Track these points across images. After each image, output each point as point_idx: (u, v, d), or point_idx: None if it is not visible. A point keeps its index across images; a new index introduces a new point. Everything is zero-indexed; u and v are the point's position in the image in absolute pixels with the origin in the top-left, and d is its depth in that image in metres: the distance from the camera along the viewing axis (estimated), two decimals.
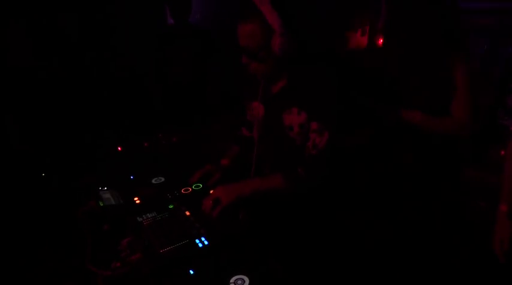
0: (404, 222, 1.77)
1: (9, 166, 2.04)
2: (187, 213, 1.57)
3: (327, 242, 1.68)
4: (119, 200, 1.68)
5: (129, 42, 3.48)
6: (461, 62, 1.65)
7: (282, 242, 1.47)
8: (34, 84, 2.78)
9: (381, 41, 1.91)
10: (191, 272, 1.25)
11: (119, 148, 2.22)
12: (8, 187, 1.84)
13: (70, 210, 1.60)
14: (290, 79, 1.67)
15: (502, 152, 2.36)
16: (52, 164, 2.01)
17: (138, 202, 1.68)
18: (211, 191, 1.64)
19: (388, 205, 1.80)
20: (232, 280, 1.21)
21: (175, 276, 1.25)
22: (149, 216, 1.55)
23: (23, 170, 1.98)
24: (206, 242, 1.38)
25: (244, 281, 1.21)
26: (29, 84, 2.76)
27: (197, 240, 1.39)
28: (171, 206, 1.62)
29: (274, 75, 1.68)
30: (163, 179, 1.86)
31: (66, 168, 1.98)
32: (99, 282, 1.23)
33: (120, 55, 3.40)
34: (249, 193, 1.58)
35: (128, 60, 3.42)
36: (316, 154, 1.59)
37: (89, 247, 1.38)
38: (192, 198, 1.69)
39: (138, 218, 1.54)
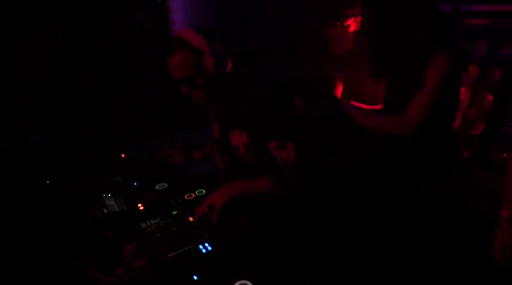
0: (406, 224, 1.76)
1: (14, 172, 2.05)
2: (191, 219, 1.58)
3: (330, 245, 1.68)
4: (122, 207, 1.69)
5: (133, 47, 3.50)
6: (439, 62, 1.52)
7: (285, 246, 1.47)
8: (39, 89, 2.80)
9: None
10: (195, 277, 1.26)
11: (123, 155, 2.23)
12: (13, 193, 1.85)
13: (74, 216, 1.62)
14: (227, 99, 1.66)
15: (505, 155, 2.36)
16: (57, 170, 2.02)
17: (141, 208, 1.70)
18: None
19: (388, 207, 1.79)
20: None
21: (179, 282, 1.25)
22: (153, 222, 1.56)
23: (28, 177, 1.99)
24: (210, 248, 1.39)
25: None
26: (34, 89, 2.78)
27: (200, 246, 1.40)
28: (174, 212, 1.63)
29: (216, 96, 1.66)
30: (166, 185, 1.87)
31: (70, 174, 1.99)
32: None
33: (126, 61, 3.43)
34: (239, 194, 1.59)
35: (132, 65, 3.44)
36: (291, 166, 1.55)
37: (93, 253, 1.39)
38: (195, 204, 1.69)
39: (142, 224, 1.55)
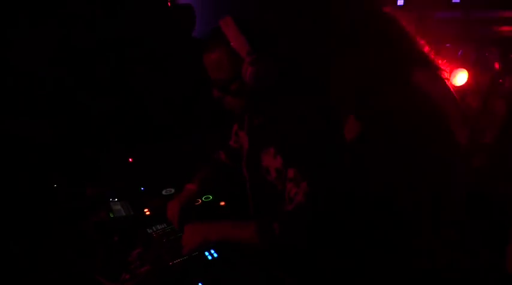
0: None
1: (20, 176, 2.06)
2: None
3: (339, 255, 1.65)
4: (129, 212, 1.69)
5: (140, 51, 3.51)
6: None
7: (292, 255, 1.44)
8: (47, 92, 2.82)
9: None
10: (200, 284, 1.24)
11: (130, 160, 2.23)
12: (19, 197, 1.86)
13: (81, 221, 1.61)
14: (268, 113, 1.39)
15: None
16: (63, 174, 2.03)
17: (148, 213, 1.69)
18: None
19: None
20: None
21: None
22: (159, 228, 1.55)
23: (35, 180, 2.00)
24: (216, 255, 1.37)
25: None
26: (42, 92, 2.80)
27: (207, 253, 1.38)
28: None
29: (253, 107, 1.42)
30: (173, 190, 1.86)
31: (77, 179, 1.99)
32: None
33: (135, 64, 3.44)
34: (215, 239, 1.35)
35: (141, 69, 3.45)
36: (292, 211, 1.26)
37: (99, 258, 1.38)
38: (202, 209, 1.69)
39: (148, 229, 1.54)
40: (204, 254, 1.37)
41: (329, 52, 1.77)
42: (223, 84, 1.30)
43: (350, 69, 1.63)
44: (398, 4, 3.10)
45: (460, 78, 2.58)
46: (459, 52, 2.82)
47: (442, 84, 1.59)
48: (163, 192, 1.86)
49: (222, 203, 1.74)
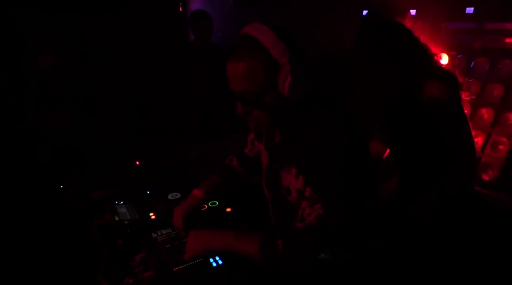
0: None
1: (26, 176, 2.06)
2: None
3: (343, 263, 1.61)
4: (134, 215, 1.67)
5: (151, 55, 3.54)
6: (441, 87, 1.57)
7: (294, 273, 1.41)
8: (53, 93, 2.84)
9: None
10: None
11: (137, 163, 2.22)
12: (25, 197, 1.85)
13: (86, 222, 1.60)
14: (292, 129, 1.30)
15: None
16: (70, 176, 2.02)
17: (153, 217, 1.67)
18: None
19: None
20: None
21: None
22: (164, 232, 1.54)
23: (41, 181, 1.99)
24: (221, 262, 1.35)
25: None
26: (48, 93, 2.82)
27: (211, 260, 1.36)
28: None
29: (281, 123, 1.32)
30: (179, 195, 1.85)
31: (84, 181, 1.98)
32: None
33: (144, 67, 3.45)
34: (217, 248, 1.31)
35: (150, 73, 3.47)
36: (301, 229, 1.20)
37: (102, 261, 1.36)
38: (207, 215, 1.67)
39: (152, 234, 1.52)
40: (209, 261, 1.35)
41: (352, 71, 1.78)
42: (253, 97, 1.19)
43: (372, 88, 1.65)
44: (411, 14, 3.07)
45: None
46: (472, 64, 2.79)
47: (456, 95, 1.60)
48: (169, 196, 1.84)
49: (228, 210, 1.72)
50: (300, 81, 1.15)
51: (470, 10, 2.76)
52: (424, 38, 1.75)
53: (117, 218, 1.63)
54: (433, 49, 1.73)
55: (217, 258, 1.36)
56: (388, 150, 1.92)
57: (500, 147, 2.46)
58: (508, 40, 2.62)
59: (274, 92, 1.18)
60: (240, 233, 1.32)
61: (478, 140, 2.51)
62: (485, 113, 2.55)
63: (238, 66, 1.15)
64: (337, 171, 1.16)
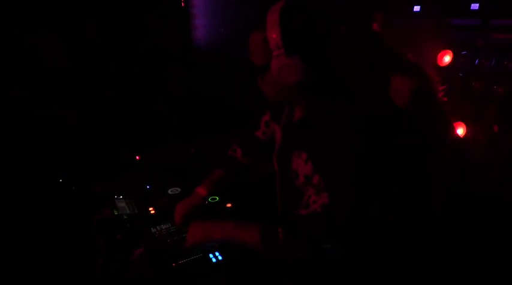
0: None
1: (26, 170, 2.05)
2: None
3: (343, 262, 1.59)
4: (133, 210, 1.66)
5: (151, 52, 3.51)
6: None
7: (297, 261, 1.40)
8: (55, 90, 2.82)
9: None
10: None
11: (137, 157, 2.20)
12: (24, 191, 1.84)
13: (85, 216, 1.59)
14: (306, 113, 1.31)
15: None
16: (69, 170, 2.01)
17: (153, 212, 1.65)
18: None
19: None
20: None
21: None
22: (163, 227, 1.52)
23: (40, 175, 1.98)
24: (220, 257, 1.33)
25: None
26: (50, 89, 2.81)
27: (211, 255, 1.34)
28: None
29: (285, 100, 1.35)
30: (179, 190, 1.83)
31: (83, 174, 1.97)
32: None
33: (147, 63, 3.44)
34: (217, 238, 1.30)
35: (153, 68, 3.45)
36: (304, 217, 1.17)
37: (101, 256, 1.35)
38: (208, 210, 1.65)
39: (152, 229, 1.51)
40: (208, 257, 1.33)
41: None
42: (256, 67, 1.24)
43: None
44: (414, 11, 3.05)
45: None
46: (476, 61, 2.76)
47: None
48: (169, 191, 1.83)
49: (229, 205, 1.71)
50: (289, 69, 1.15)
51: (475, 6, 2.72)
52: (428, 34, 1.72)
53: (116, 213, 1.61)
54: (437, 45, 1.71)
55: (216, 253, 1.35)
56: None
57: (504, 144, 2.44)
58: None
59: (269, 70, 1.20)
60: (241, 222, 1.31)
61: (482, 137, 2.48)
62: (490, 110, 2.52)
63: (250, 37, 1.22)
64: (348, 163, 1.16)
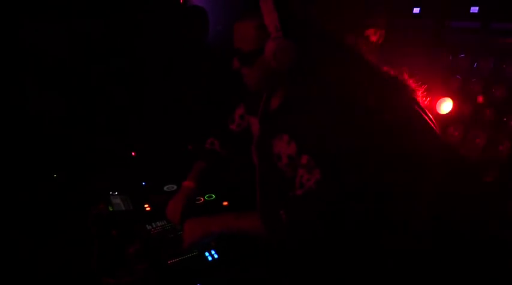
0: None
1: (20, 166, 2.02)
2: None
3: (341, 261, 1.58)
4: (128, 206, 1.64)
5: (150, 49, 3.49)
6: None
7: (293, 259, 1.39)
8: (51, 84, 2.79)
9: None
10: None
11: (133, 154, 2.18)
12: (18, 186, 1.82)
13: (79, 212, 1.56)
14: (286, 99, 1.39)
15: None
16: (64, 165, 1.99)
17: (148, 209, 1.64)
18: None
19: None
20: None
21: None
22: (159, 224, 1.50)
23: (35, 170, 1.96)
24: (216, 256, 1.32)
25: None
26: (46, 83, 2.78)
27: (207, 253, 1.33)
28: None
29: (268, 87, 1.43)
30: (175, 187, 1.81)
31: (78, 170, 1.95)
32: None
33: (143, 59, 3.41)
34: (217, 231, 1.33)
35: (150, 64, 3.43)
36: (301, 196, 1.24)
37: (95, 253, 1.33)
38: (204, 208, 1.63)
39: (147, 225, 1.49)
40: (204, 255, 1.32)
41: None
42: (244, 55, 1.31)
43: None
44: (414, 12, 3.05)
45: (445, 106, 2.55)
46: (475, 65, 2.76)
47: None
48: (165, 188, 1.81)
49: (225, 203, 1.69)
50: (284, 52, 1.24)
51: (475, 9, 2.73)
52: (427, 36, 1.72)
53: (111, 209, 1.59)
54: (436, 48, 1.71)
55: (212, 252, 1.33)
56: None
57: (500, 148, 2.44)
58: None
59: (261, 55, 1.27)
60: (239, 213, 1.36)
61: (480, 141, 2.48)
62: (488, 113, 2.52)
63: (239, 26, 1.30)
64: (332, 138, 1.25)
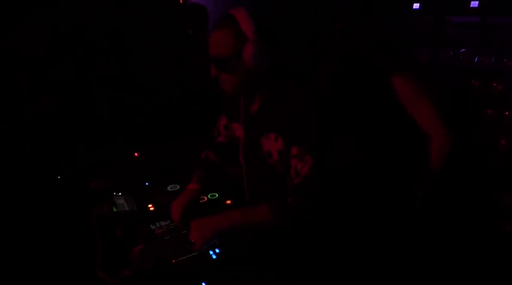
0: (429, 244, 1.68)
1: (24, 167, 2.03)
2: None
3: (343, 258, 1.59)
4: (132, 207, 1.65)
5: (148, 47, 3.49)
6: (401, 76, 1.69)
7: (297, 257, 1.39)
8: (50, 83, 2.80)
9: None
10: (203, 284, 1.19)
11: (136, 154, 2.19)
12: (22, 188, 1.83)
13: (84, 214, 1.57)
14: (265, 99, 1.50)
15: None
16: (68, 167, 2.00)
17: (152, 209, 1.65)
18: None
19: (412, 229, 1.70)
20: None
21: None
22: (162, 224, 1.51)
23: (38, 172, 1.97)
24: (221, 254, 1.32)
25: None
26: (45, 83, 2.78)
27: (211, 252, 1.33)
28: None
29: (246, 91, 1.51)
30: (178, 187, 1.82)
31: (81, 171, 1.96)
32: None
33: (139, 60, 3.41)
34: (226, 229, 1.37)
35: (146, 65, 3.43)
36: (300, 183, 1.35)
37: (100, 253, 1.34)
38: (207, 207, 1.64)
39: (151, 225, 1.50)
40: (208, 253, 1.33)
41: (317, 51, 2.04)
42: (222, 61, 1.40)
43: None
44: (414, 8, 3.05)
45: None
46: (475, 59, 2.76)
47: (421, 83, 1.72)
48: (169, 188, 1.82)
49: (228, 202, 1.70)
50: (261, 54, 1.36)
51: (474, 4, 2.73)
52: (427, 31, 1.77)
53: (115, 210, 1.60)
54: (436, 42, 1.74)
55: (217, 250, 1.34)
56: None
57: (503, 142, 2.44)
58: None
59: (240, 60, 1.38)
60: (245, 208, 1.46)
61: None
62: (488, 108, 2.52)
63: (215, 34, 1.40)
64: (314, 124, 1.40)
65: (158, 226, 1.50)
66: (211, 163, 1.79)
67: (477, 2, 2.72)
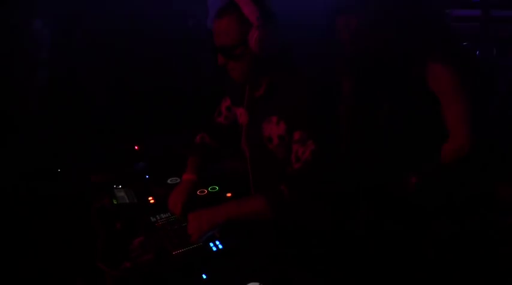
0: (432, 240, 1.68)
1: (24, 161, 2.04)
2: None
3: (343, 251, 1.60)
4: (133, 199, 1.65)
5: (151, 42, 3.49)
6: (445, 69, 1.60)
7: (298, 249, 1.40)
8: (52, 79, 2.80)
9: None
10: (204, 276, 1.20)
11: (136, 147, 2.19)
12: (22, 181, 1.83)
13: (84, 206, 1.58)
14: (270, 84, 1.48)
15: None
16: (68, 160, 2.00)
17: (152, 201, 1.65)
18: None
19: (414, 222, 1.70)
20: None
21: (187, 280, 1.20)
22: (163, 217, 1.51)
23: (39, 165, 1.97)
24: (220, 246, 1.33)
25: None
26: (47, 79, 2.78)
27: (211, 244, 1.34)
28: None
29: (254, 76, 1.49)
30: (178, 179, 1.82)
31: (82, 164, 1.96)
32: (108, 282, 1.19)
33: (145, 53, 3.41)
34: (224, 220, 1.36)
35: (151, 57, 3.43)
36: (299, 168, 1.35)
37: (100, 245, 1.34)
38: (207, 200, 1.64)
39: (151, 218, 1.50)
40: (209, 245, 1.33)
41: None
42: (228, 49, 1.38)
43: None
44: None
45: None
46: (477, 52, 2.75)
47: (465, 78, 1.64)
48: (169, 181, 1.82)
49: (229, 195, 1.70)
50: (267, 38, 1.34)
51: None
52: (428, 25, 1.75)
53: (115, 202, 1.60)
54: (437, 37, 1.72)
55: (217, 242, 1.34)
56: None
57: None
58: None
59: (247, 47, 1.36)
60: (242, 199, 1.44)
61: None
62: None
63: (219, 23, 1.38)
64: (319, 112, 1.39)
65: (158, 218, 1.51)
66: (206, 146, 1.75)
67: None
